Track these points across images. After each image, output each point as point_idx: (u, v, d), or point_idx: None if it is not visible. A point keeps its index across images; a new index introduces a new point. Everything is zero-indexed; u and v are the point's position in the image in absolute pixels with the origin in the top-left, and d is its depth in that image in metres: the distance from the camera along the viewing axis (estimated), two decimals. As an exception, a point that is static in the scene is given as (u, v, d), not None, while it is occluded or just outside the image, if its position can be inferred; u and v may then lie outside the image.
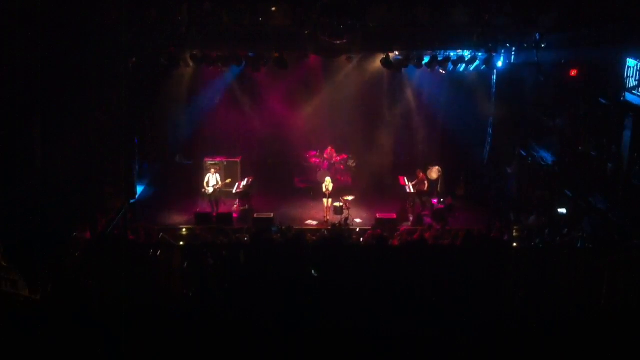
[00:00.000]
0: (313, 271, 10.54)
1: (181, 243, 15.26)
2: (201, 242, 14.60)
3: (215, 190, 18.08)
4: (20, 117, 11.85)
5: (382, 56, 17.57)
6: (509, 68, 18.51)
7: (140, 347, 7.43)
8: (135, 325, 7.92)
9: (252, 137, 21.29)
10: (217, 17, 15.82)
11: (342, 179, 20.13)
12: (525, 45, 16.85)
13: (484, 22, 15.78)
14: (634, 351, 8.07)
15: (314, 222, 17.50)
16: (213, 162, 19.52)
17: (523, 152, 18.44)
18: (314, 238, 15.40)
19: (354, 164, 20.77)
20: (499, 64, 18.43)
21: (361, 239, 15.49)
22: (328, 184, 17.88)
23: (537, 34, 16.07)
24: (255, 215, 17.30)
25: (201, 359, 7.36)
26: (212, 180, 18.17)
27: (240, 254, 11.44)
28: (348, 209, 17.36)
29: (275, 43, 16.96)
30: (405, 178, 18.93)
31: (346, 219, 17.13)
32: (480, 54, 17.50)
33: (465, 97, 20.07)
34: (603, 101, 14.59)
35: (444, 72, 19.13)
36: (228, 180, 18.54)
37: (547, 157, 17.44)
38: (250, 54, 17.85)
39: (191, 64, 18.18)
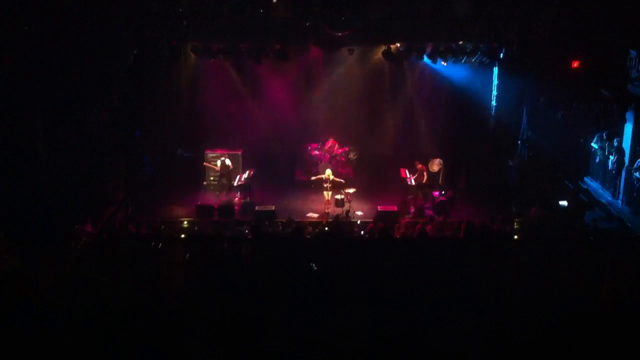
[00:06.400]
0: (312, 264, 10.57)
1: (182, 236, 15.31)
2: (203, 235, 14.67)
3: (226, 175, 18.52)
4: (21, 109, 11.84)
5: (383, 48, 17.51)
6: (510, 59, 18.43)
7: (140, 340, 7.46)
8: (136, 319, 7.95)
9: (254, 130, 21.23)
10: (218, 9, 15.79)
11: (344, 171, 20.10)
12: (527, 37, 16.77)
13: (485, 14, 15.72)
14: (634, 343, 8.08)
15: (315, 215, 17.49)
16: (214, 155, 19.55)
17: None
18: (315, 231, 15.45)
19: (355, 157, 20.74)
20: (500, 55, 18.36)
21: (362, 232, 15.50)
22: (329, 175, 17.88)
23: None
24: (256, 208, 17.31)
25: (202, 354, 7.38)
26: (227, 161, 18.83)
27: (242, 246, 11.47)
28: (349, 201, 17.35)
29: (277, 35, 16.92)
30: (407, 170, 18.91)
31: (347, 211, 17.13)
32: (482, 46, 17.43)
33: (467, 89, 20.04)
34: (605, 93, 14.55)
35: (445, 64, 19.09)
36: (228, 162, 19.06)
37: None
38: (251, 46, 17.80)
39: (192, 56, 18.12)
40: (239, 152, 20.06)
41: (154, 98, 18.95)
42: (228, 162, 18.96)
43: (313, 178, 18.22)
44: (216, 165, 19.07)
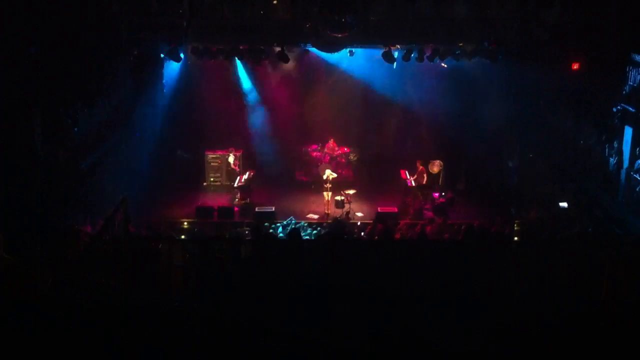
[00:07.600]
0: (316, 262, 10.56)
1: (182, 237, 15.31)
2: (202, 237, 14.66)
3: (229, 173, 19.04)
4: (21, 110, 11.83)
5: (383, 49, 17.54)
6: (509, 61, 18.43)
7: (140, 340, 7.43)
8: (136, 321, 7.92)
9: (253, 130, 21.21)
10: (218, 10, 15.82)
11: (344, 172, 20.11)
12: (527, 38, 16.78)
13: (485, 15, 15.75)
14: (633, 345, 8.07)
15: (315, 216, 17.49)
16: (214, 156, 19.57)
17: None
18: (315, 232, 15.46)
19: (355, 158, 20.74)
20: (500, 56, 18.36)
21: (362, 233, 15.50)
22: (328, 175, 17.91)
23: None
24: (256, 209, 17.30)
25: (202, 354, 7.35)
26: (230, 157, 19.45)
27: (241, 248, 11.45)
28: (349, 202, 17.36)
29: (276, 36, 16.94)
30: (407, 172, 18.92)
31: (347, 212, 17.13)
32: (481, 47, 17.44)
33: (466, 91, 20.05)
34: (605, 94, 14.57)
35: (445, 66, 19.10)
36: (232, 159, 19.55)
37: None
38: (251, 48, 17.81)
39: (192, 57, 18.14)
40: (239, 153, 20.08)
41: (154, 98, 18.97)
42: (231, 159, 18.97)
43: (324, 177, 18.23)
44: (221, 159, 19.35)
